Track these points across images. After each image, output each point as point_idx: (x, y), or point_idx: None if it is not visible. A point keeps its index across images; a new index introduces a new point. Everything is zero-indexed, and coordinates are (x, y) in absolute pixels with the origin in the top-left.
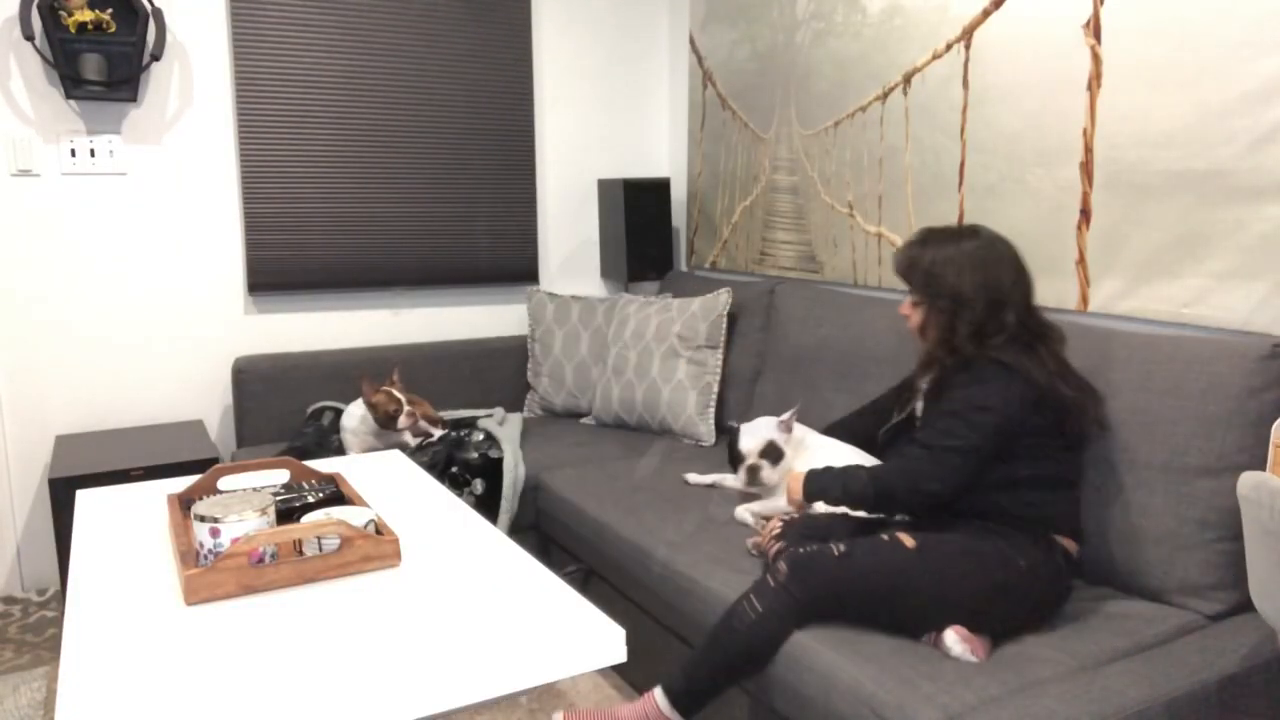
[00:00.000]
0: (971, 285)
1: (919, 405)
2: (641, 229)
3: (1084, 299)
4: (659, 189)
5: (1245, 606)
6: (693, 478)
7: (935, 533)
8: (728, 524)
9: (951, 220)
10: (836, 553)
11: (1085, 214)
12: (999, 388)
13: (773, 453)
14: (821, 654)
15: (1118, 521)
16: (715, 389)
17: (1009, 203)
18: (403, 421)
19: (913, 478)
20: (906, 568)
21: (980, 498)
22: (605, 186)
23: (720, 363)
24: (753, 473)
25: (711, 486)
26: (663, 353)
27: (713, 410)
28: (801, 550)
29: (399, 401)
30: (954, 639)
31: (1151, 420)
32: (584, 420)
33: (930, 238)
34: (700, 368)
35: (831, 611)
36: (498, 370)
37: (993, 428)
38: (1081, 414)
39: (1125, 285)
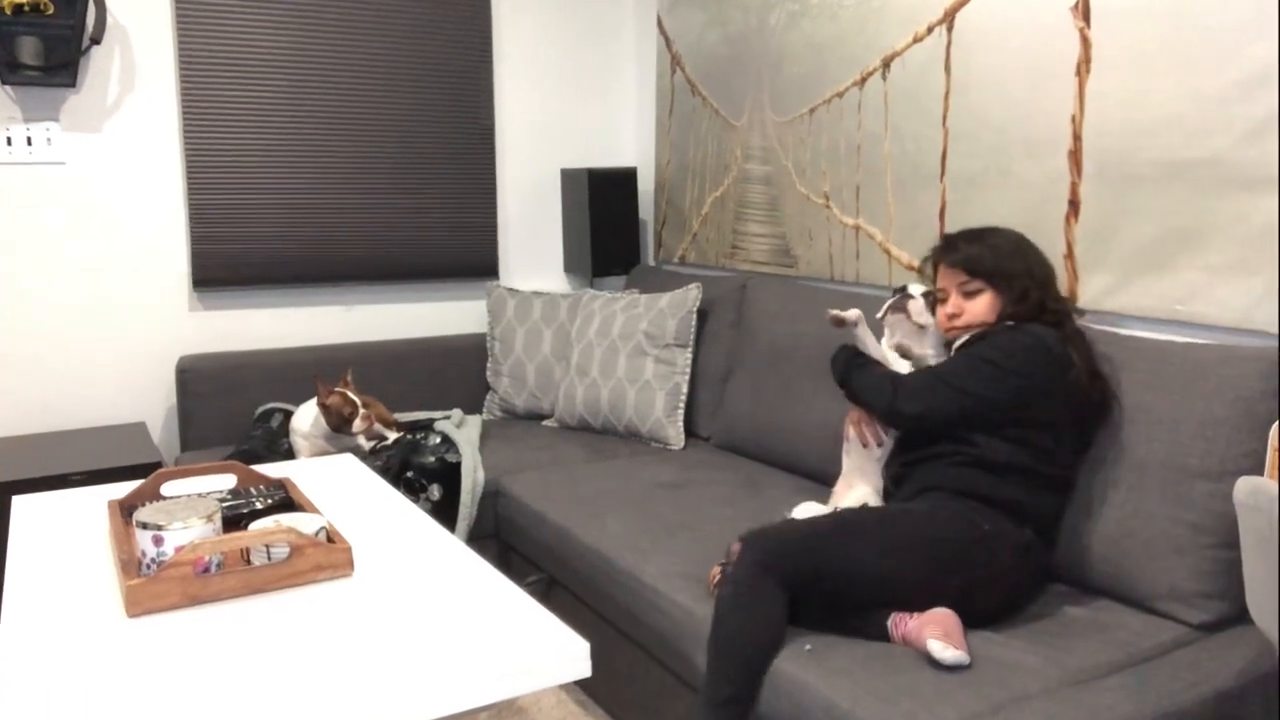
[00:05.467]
0: (1036, 263)
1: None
2: (607, 221)
3: (1072, 295)
4: (625, 179)
5: (1235, 617)
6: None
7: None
8: (700, 531)
9: (933, 212)
10: (783, 522)
11: (1073, 205)
12: (1037, 346)
13: (931, 303)
14: (784, 669)
15: (1107, 520)
16: (684, 389)
17: (993, 194)
18: (358, 425)
19: (899, 390)
20: (860, 519)
21: (962, 473)
22: (569, 177)
23: (689, 362)
24: (907, 299)
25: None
26: (629, 351)
27: (681, 412)
28: (751, 529)
29: (354, 404)
30: (938, 646)
31: (1153, 418)
32: (546, 422)
33: (966, 234)
34: (668, 367)
35: (791, 572)
36: (455, 370)
37: (1009, 383)
38: (1104, 412)
39: (1116, 280)
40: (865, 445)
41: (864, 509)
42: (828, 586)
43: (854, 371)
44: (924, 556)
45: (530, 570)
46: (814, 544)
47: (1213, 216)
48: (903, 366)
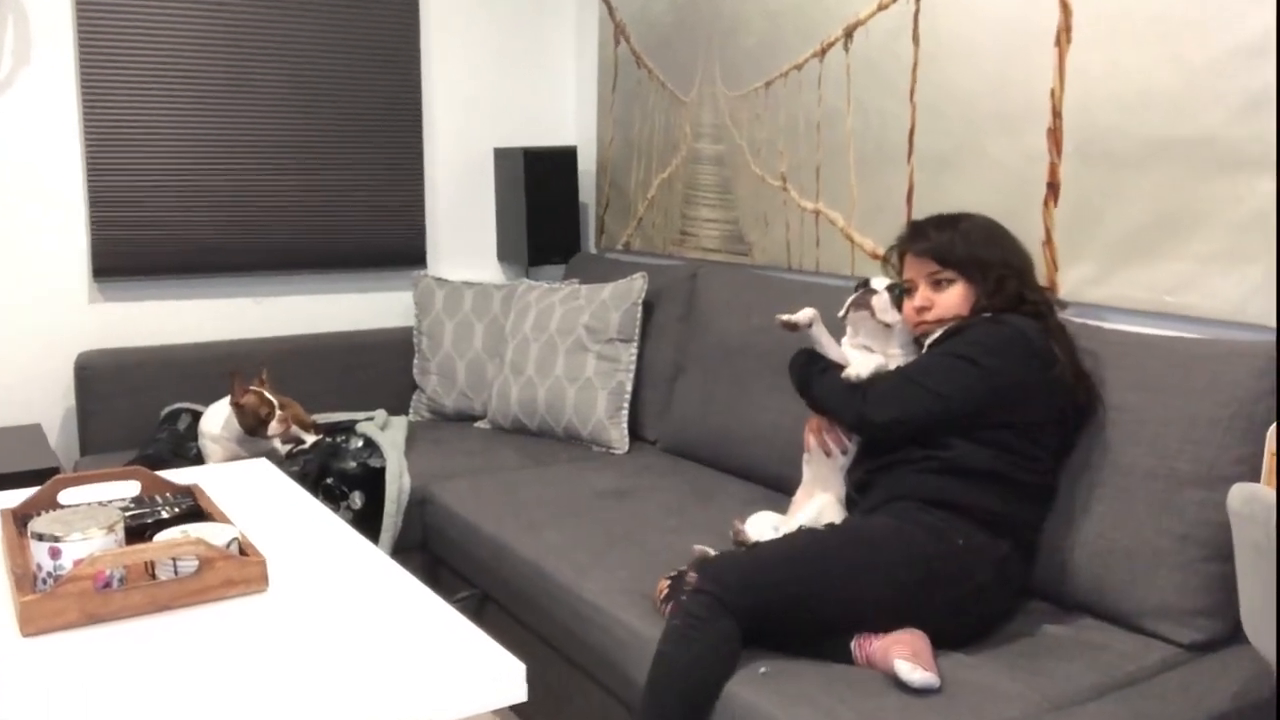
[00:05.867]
0: (1012, 251)
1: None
2: (544, 205)
3: (1052, 285)
4: (564, 159)
5: (1229, 636)
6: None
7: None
8: (646, 543)
9: (899, 195)
10: (743, 550)
11: (1053, 187)
12: (1018, 339)
13: (897, 297)
14: (738, 694)
15: (1090, 531)
16: (629, 388)
17: (966, 175)
18: (274, 428)
19: (867, 396)
20: (824, 542)
21: (933, 480)
22: (502, 156)
23: (635, 358)
24: (870, 294)
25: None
26: (568, 347)
27: (626, 413)
28: (709, 556)
29: (271, 404)
30: (906, 667)
31: (1139, 420)
32: (478, 424)
33: (935, 220)
34: (612, 364)
35: (750, 608)
36: (379, 367)
37: (987, 381)
38: (1088, 413)
39: (1099, 269)
40: (828, 454)
41: (827, 528)
42: (790, 618)
43: (815, 378)
44: (893, 578)
45: (461, 586)
46: (776, 577)
47: (1204, 199)
48: (867, 362)
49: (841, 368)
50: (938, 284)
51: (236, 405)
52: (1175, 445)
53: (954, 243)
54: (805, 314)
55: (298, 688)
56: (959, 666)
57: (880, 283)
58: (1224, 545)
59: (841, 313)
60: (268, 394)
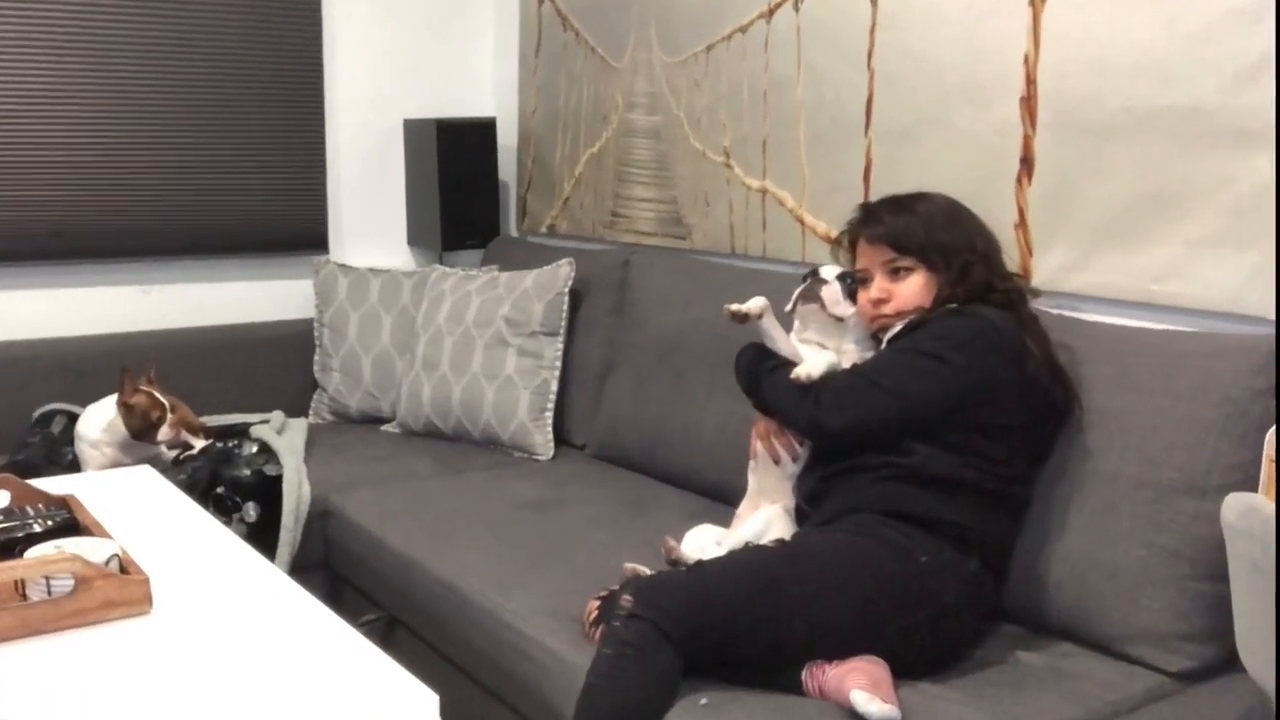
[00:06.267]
0: (977, 234)
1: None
2: (460, 183)
3: (1025, 272)
4: (482, 132)
5: (1223, 663)
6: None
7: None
8: (573, 560)
9: (856, 173)
10: (684, 568)
11: (1027, 163)
12: (987, 332)
13: (850, 288)
14: None
15: (1069, 547)
16: (554, 387)
17: (930, 149)
18: (165, 433)
19: (821, 397)
20: (772, 563)
21: (893, 489)
22: (414, 129)
23: (560, 354)
24: (820, 285)
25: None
26: (487, 341)
27: (550, 415)
28: (644, 576)
29: (163, 406)
30: (863, 698)
31: (1123, 423)
32: (386, 427)
33: (890, 202)
34: (535, 360)
35: (691, 635)
36: (275, 363)
37: (952, 380)
38: (1066, 415)
39: (1078, 254)
40: (777, 461)
41: (775, 545)
42: (735, 645)
43: (764, 376)
44: (849, 599)
45: (367, 607)
46: (720, 600)
47: (1196, 177)
48: (820, 361)
49: (794, 365)
50: (895, 273)
51: (125, 405)
52: (1163, 451)
53: (912, 226)
54: (756, 303)
55: (184, 719)
56: (922, 696)
57: (831, 272)
58: (1217, 562)
59: (789, 306)
60: (158, 394)
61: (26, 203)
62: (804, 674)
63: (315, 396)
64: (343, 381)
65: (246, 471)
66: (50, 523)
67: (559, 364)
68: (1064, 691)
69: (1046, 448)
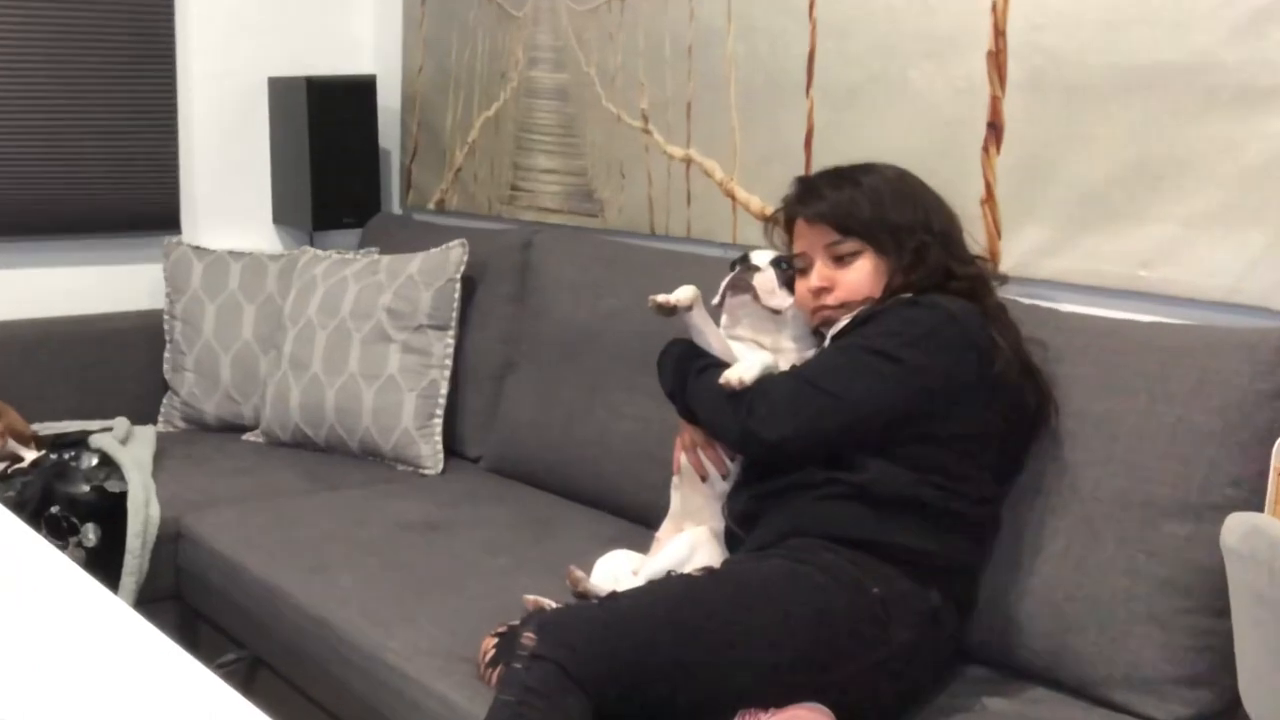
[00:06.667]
0: (934, 212)
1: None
2: (334, 152)
3: (992, 255)
4: (359, 93)
5: (1223, 710)
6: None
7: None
8: (466, 591)
9: (795, 139)
10: (597, 600)
11: (995, 129)
12: (947, 326)
13: (787, 275)
14: None
15: (1044, 576)
16: (444, 389)
17: (880, 112)
18: None
19: (754, 404)
20: (698, 595)
21: (840, 509)
22: (280, 89)
23: (451, 351)
24: (751, 272)
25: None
26: (366, 336)
27: (440, 422)
28: (549, 610)
29: None
30: None
31: (1107, 431)
32: (248, 437)
33: (831, 175)
34: (422, 358)
35: (604, 679)
36: (118, 362)
37: (908, 382)
38: (1040, 422)
39: (1054, 234)
40: (704, 478)
41: (702, 574)
42: (656, 690)
43: (691, 379)
44: (788, 638)
45: (226, 646)
46: (639, 639)
47: (1194, 144)
48: (754, 362)
49: (727, 366)
50: (839, 258)
51: None
52: (1153, 463)
53: (858, 202)
54: (684, 293)
55: None
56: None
57: (764, 257)
58: (1216, 593)
59: (716, 298)
60: None
61: None
62: None
63: (165, 400)
64: (197, 383)
65: (85, 488)
66: None
67: (450, 362)
68: None
69: (1017, 461)
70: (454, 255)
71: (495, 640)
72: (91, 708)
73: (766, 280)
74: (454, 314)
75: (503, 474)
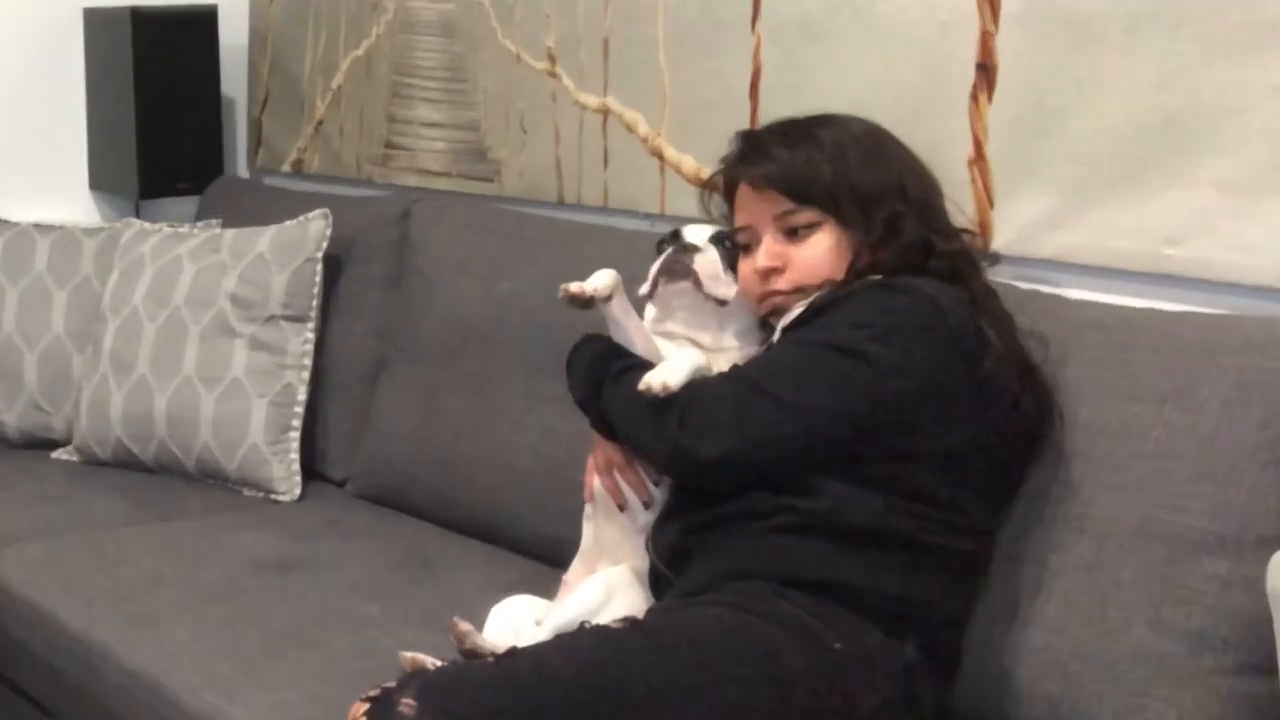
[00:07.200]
0: (910, 174)
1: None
2: (166, 101)
3: (983, 228)
4: (198, 26)
5: None
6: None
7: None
8: (328, 647)
9: (739, 84)
10: (492, 658)
11: (986, 72)
12: (926, 316)
13: (731, 254)
14: None
15: (1044, 626)
16: (302, 396)
17: (843, 51)
18: None
19: (687, 414)
20: (616, 652)
21: (792, 545)
22: (98, 22)
23: (311, 348)
24: (690, 253)
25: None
26: (206, 329)
27: (297, 436)
28: (432, 669)
29: None
30: None
31: (1125, 447)
32: (59, 454)
33: (781, 129)
34: (275, 357)
35: None
36: None
37: (877, 386)
38: (1038, 435)
39: (1058, 202)
40: (622, 507)
41: (622, 625)
42: None
43: (607, 384)
44: (730, 704)
45: (32, 714)
46: (541, 705)
47: (1231, 91)
48: (683, 362)
49: (651, 367)
50: (792, 231)
51: None
52: (1182, 488)
53: (815, 163)
54: (603, 280)
55: None
56: None
57: (700, 234)
58: (1259, 648)
59: (645, 288)
60: None
61: None
62: None
63: None
64: None
65: None
66: None
67: (309, 362)
68: None
69: (1012, 483)
70: (314, 229)
71: (366, 707)
72: None
73: (709, 263)
74: (314, 302)
75: (374, 500)
